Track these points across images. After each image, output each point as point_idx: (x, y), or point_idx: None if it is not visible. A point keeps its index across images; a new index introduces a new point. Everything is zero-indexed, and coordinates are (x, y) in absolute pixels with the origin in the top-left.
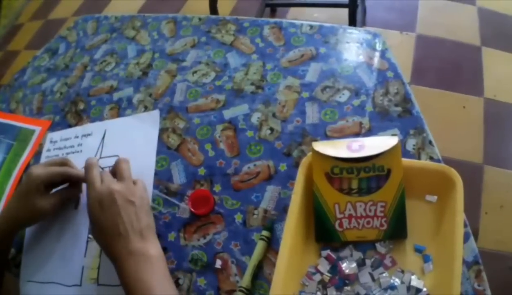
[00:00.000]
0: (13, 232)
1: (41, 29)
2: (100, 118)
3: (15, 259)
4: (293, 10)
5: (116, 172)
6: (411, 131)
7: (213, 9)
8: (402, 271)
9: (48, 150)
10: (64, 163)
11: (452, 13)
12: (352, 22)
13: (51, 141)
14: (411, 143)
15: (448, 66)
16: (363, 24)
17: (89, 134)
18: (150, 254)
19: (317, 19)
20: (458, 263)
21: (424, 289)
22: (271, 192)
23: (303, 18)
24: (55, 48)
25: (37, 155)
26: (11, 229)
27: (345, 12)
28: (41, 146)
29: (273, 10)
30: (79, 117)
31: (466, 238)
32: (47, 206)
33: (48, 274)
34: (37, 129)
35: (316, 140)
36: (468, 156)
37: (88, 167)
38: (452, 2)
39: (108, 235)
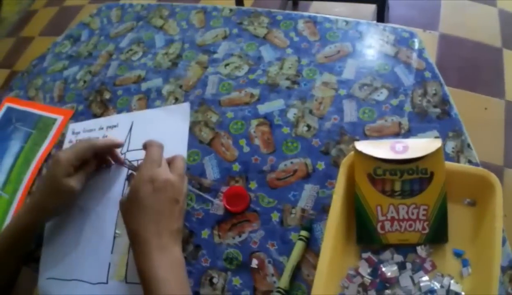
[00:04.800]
0: (39, 221)
1: (56, 15)
2: (128, 108)
3: (33, 253)
4: (315, 4)
5: (171, 163)
6: (450, 134)
7: (239, 0)
8: (442, 275)
9: (70, 142)
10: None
11: (474, 13)
12: (381, 18)
13: (73, 133)
14: (450, 146)
15: (470, 66)
16: (386, 20)
17: (114, 126)
18: (176, 256)
19: (338, 14)
20: (496, 268)
21: (463, 294)
22: (309, 190)
23: (324, 12)
24: (77, 35)
25: (58, 145)
26: (37, 219)
27: (366, 8)
28: (63, 136)
29: (295, 3)
30: (105, 107)
31: (501, 243)
32: (76, 185)
33: (70, 271)
34: (59, 118)
35: (354, 139)
36: (488, 158)
37: (154, 143)
38: (473, 2)
39: (145, 216)
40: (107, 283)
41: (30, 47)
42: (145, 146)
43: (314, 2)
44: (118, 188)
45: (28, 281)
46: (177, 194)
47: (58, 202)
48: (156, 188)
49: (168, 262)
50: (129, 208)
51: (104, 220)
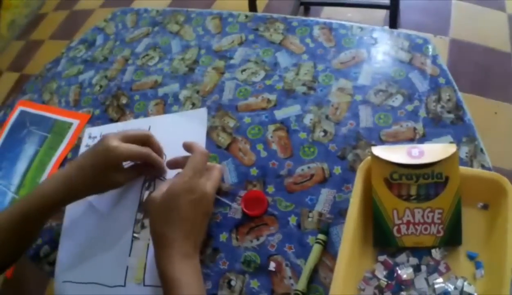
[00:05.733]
0: (69, 200)
1: (66, 19)
2: (145, 113)
3: (49, 256)
4: (326, 10)
5: (208, 173)
6: (464, 139)
7: (252, 6)
8: (456, 277)
9: (87, 146)
10: (146, 139)
11: (483, 18)
12: (393, 23)
13: (89, 137)
14: (463, 151)
15: (480, 71)
16: (398, 26)
17: None
18: (197, 264)
19: (350, 19)
20: (508, 270)
21: None
22: (326, 195)
23: (336, 17)
24: (92, 39)
25: (75, 148)
26: (69, 197)
27: (379, 13)
28: (79, 140)
29: (306, 8)
30: (122, 112)
31: None
32: (122, 180)
33: (87, 274)
34: (75, 122)
35: (370, 144)
36: (497, 162)
37: (199, 150)
38: (482, 8)
39: (178, 225)
40: (124, 286)
41: (40, 51)
42: (189, 148)
43: (325, 7)
44: (136, 190)
45: (39, 284)
46: (209, 208)
47: (98, 190)
48: (194, 200)
49: (190, 268)
50: (161, 211)
51: (122, 223)
